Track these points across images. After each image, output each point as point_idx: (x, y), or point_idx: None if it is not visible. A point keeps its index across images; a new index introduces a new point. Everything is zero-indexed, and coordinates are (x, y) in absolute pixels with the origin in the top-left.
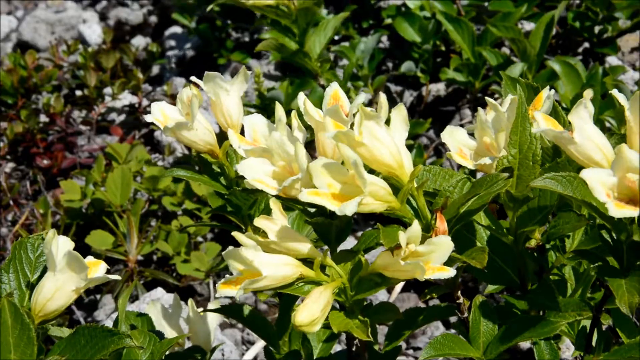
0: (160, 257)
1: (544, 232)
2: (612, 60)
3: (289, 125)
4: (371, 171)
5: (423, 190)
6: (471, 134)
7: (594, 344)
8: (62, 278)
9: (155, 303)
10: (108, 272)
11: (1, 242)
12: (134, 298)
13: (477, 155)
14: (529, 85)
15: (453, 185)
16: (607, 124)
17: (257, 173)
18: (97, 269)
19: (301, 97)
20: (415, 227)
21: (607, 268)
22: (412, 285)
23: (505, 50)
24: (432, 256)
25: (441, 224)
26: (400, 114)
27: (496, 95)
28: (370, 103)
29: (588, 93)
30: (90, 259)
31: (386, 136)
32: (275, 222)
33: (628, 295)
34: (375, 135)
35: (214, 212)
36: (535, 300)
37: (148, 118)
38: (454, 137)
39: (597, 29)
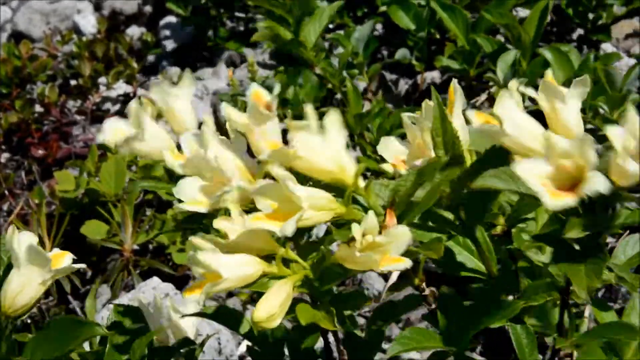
0: (156, 247)
1: (508, 216)
2: (607, 47)
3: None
4: (318, 181)
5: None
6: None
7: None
8: (26, 273)
9: (142, 298)
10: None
11: None
12: (130, 287)
13: (410, 159)
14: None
15: (404, 178)
16: (601, 110)
17: (192, 193)
18: (62, 260)
19: (224, 106)
20: (371, 219)
21: (564, 252)
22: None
23: (500, 37)
24: (390, 247)
25: (390, 219)
26: (333, 118)
27: (491, 83)
28: (365, 91)
29: (513, 83)
30: (55, 251)
31: (320, 143)
32: (234, 222)
33: (587, 279)
34: (309, 145)
35: None
36: (496, 290)
37: (99, 139)
38: (389, 148)
39: (591, 15)
